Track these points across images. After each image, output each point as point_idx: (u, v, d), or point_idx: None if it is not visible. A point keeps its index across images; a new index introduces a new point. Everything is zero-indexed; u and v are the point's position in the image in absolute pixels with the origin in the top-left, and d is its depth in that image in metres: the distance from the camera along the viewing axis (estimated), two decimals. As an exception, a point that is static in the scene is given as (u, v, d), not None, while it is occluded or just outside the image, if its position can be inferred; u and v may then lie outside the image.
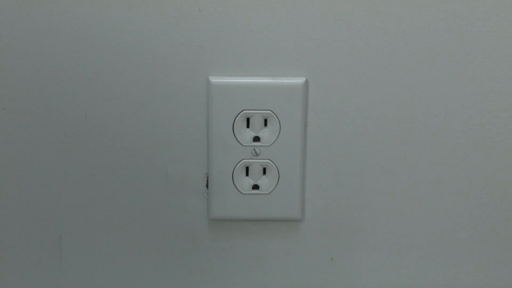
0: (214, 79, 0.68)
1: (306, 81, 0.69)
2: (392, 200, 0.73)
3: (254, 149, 0.70)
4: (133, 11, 0.67)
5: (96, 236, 0.74)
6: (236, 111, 0.69)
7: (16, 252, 0.74)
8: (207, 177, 0.72)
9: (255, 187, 0.72)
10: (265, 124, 0.70)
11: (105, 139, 0.71)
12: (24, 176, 0.72)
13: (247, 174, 0.71)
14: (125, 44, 0.68)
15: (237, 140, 0.69)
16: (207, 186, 0.72)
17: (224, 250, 0.74)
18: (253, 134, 0.70)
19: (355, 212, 0.73)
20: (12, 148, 0.71)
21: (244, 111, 0.69)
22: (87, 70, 0.69)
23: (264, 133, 0.70)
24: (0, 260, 0.74)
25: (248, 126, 0.70)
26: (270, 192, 0.71)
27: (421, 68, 0.69)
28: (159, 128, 0.70)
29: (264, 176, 0.71)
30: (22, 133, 0.71)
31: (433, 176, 0.72)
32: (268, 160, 0.70)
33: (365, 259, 0.75)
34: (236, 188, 0.71)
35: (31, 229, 0.73)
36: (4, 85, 0.69)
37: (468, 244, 0.74)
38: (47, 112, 0.70)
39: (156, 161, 0.71)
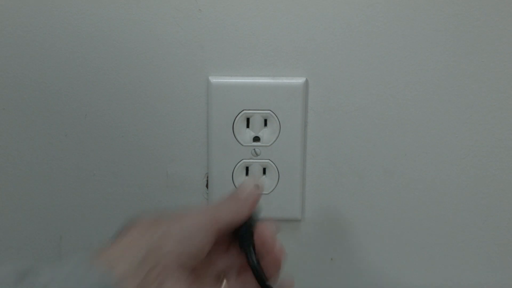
0: (214, 79, 0.69)
1: (306, 81, 0.69)
2: (392, 200, 0.73)
3: (254, 149, 0.70)
4: (133, 11, 0.67)
5: (96, 236, 0.74)
6: (236, 111, 0.69)
7: (16, 252, 0.74)
8: (207, 177, 0.72)
9: (255, 187, 0.72)
10: (265, 124, 0.70)
11: (105, 139, 0.71)
12: (24, 176, 0.72)
13: (247, 174, 0.71)
14: (125, 44, 0.68)
15: (237, 140, 0.69)
16: (207, 186, 0.72)
17: (224, 250, 0.74)
18: (253, 134, 0.70)
19: (355, 212, 0.73)
20: (12, 148, 0.71)
21: (244, 111, 0.69)
22: (87, 70, 0.69)
23: (264, 133, 0.70)
24: (0, 260, 0.74)
25: (248, 126, 0.70)
26: (270, 192, 0.71)
27: (421, 68, 0.69)
28: (159, 128, 0.70)
29: (264, 176, 0.71)
30: (22, 133, 0.71)
31: (433, 176, 0.72)
32: (268, 160, 0.70)
33: (365, 259, 0.75)
34: (236, 188, 0.71)
35: (31, 229, 0.73)
36: (4, 85, 0.69)
37: (468, 244, 0.74)
38: (47, 112, 0.70)
39: (156, 161, 0.71)
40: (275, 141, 0.70)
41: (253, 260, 0.56)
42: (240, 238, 0.56)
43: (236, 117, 0.69)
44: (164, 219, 0.55)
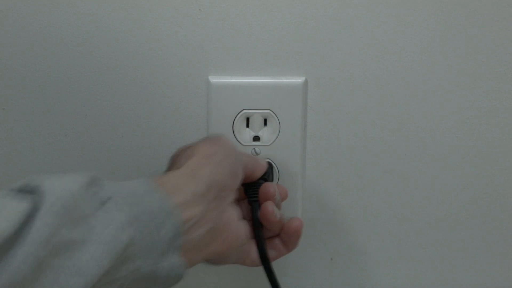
0: (214, 79, 0.69)
1: (306, 81, 0.69)
2: (392, 200, 0.73)
3: (254, 148, 0.70)
4: (133, 11, 0.67)
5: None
6: (236, 110, 0.69)
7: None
8: (207, 177, 0.71)
9: (255, 187, 0.72)
10: (265, 124, 0.70)
11: (105, 139, 0.71)
12: (24, 176, 0.72)
13: (247, 174, 0.71)
14: (125, 44, 0.68)
15: (237, 139, 0.69)
16: (207, 186, 0.72)
17: (224, 250, 0.74)
18: (253, 134, 0.70)
19: (355, 212, 0.73)
20: (12, 148, 0.71)
21: (244, 111, 0.69)
22: (87, 70, 0.69)
23: (264, 133, 0.70)
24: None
25: (248, 125, 0.70)
26: (270, 192, 0.71)
27: (421, 68, 0.69)
28: (159, 128, 0.70)
29: (264, 176, 0.71)
30: (22, 133, 0.71)
31: (432, 176, 0.72)
32: (268, 160, 0.70)
33: (365, 259, 0.75)
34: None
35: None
36: (4, 85, 0.69)
37: (468, 244, 0.74)
38: (47, 112, 0.70)
39: (156, 161, 0.71)
40: (275, 140, 0.70)
41: (256, 215, 0.63)
42: (249, 194, 0.64)
43: (236, 116, 0.69)
44: (213, 149, 0.58)
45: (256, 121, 0.69)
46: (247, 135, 0.70)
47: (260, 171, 0.64)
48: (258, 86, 0.68)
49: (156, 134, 0.71)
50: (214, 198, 0.55)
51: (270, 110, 0.69)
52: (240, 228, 0.60)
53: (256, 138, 0.70)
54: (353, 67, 0.69)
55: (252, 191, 0.64)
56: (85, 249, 0.44)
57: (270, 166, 0.68)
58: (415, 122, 0.70)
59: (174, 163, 0.60)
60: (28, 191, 0.45)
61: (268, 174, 0.66)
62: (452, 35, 0.68)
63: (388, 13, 0.67)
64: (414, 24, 0.67)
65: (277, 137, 0.69)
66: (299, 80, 0.69)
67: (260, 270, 0.64)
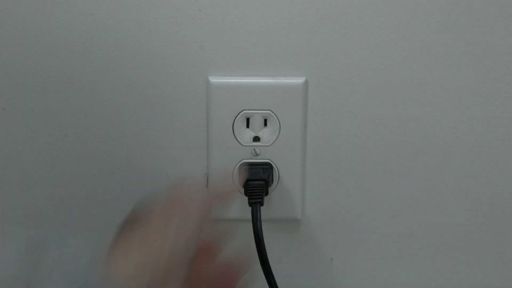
0: (214, 79, 0.68)
1: (306, 81, 0.69)
2: (392, 200, 0.73)
3: (254, 149, 0.70)
4: (133, 11, 0.67)
5: (96, 237, 0.74)
6: (236, 111, 0.69)
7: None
8: (207, 177, 0.72)
9: (255, 187, 0.71)
10: (265, 124, 0.70)
11: (105, 139, 0.71)
12: (24, 176, 0.72)
13: (247, 174, 0.71)
14: (125, 44, 0.68)
15: (237, 140, 0.69)
16: (207, 186, 0.72)
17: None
18: (253, 134, 0.69)
19: (355, 212, 0.73)
20: (12, 148, 0.71)
21: (244, 111, 0.69)
22: (87, 70, 0.69)
23: (264, 133, 0.70)
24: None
25: (248, 126, 0.70)
26: (270, 192, 0.71)
27: (421, 68, 0.69)
28: (159, 128, 0.70)
29: (264, 176, 0.71)
30: (22, 133, 0.71)
31: (433, 176, 0.72)
32: (268, 160, 0.70)
33: (365, 259, 0.75)
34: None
35: (31, 229, 0.73)
36: (4, 85, 0.69)
37: (468, 244, 0.74)
38: (47, 112, 0.70)
39: (156, 161, 0.71)
40: (275, 141, 0.70)
41: (256, 218, 0.64)
42: (249, 195, 0.65)
43: (236, 117, 0.69)
44: (167, 215, 0.55)
45: (256, 121, 0.69)
46: (247, 135, 0.70)
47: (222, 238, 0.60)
48: (258, 86, 0.68)
49: (156, 134, 0.71)
50: (152, 275, 0.53)
51: (270, 110, 0.69)
52: None
53: (256, 139, 0.70)
54: (353, 67, 0.69)
55: (252, 192, 0.63)
56: None
57: (270, 167, 0.68)
58: (415, 122, 0.70)
59: (126, 226, 0.57)
60: None
61: (268, 175, 0.66)
62: (452, 35, 0.68)
63: (388, 13, 0.67)
64: (414, 24, 0.67)
65: (277, 138, 0.69)
66: (299, 80, 0.69)
67: (259, 273, 0.64)
